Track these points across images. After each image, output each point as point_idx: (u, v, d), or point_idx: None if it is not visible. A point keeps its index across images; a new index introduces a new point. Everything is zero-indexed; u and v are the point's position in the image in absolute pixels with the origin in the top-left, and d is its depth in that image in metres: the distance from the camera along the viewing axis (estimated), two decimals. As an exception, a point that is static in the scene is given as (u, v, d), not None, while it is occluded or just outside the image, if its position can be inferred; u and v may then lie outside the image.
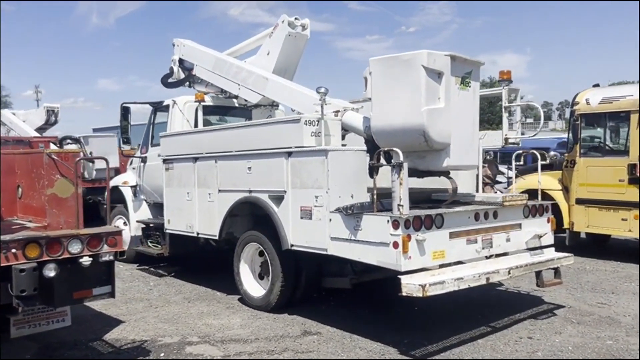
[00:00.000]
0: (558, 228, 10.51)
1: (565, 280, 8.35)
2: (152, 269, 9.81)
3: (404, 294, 5.23)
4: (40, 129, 18.28)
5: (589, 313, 6.74)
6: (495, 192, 7.29)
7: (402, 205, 5.29)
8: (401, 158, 5.32)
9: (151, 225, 9.33)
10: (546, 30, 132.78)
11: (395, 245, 5.28)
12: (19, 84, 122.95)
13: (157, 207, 9.33)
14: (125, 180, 10.18)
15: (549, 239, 6.95)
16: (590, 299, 7.43)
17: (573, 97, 10.63)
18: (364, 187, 6.01)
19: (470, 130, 6.10)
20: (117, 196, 10.11)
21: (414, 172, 6.05)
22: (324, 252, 6.02)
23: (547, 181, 11.01)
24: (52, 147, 15.55)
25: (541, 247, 6.78)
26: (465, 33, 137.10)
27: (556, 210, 10.55)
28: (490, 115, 72.68)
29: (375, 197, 5.59)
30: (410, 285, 5.20)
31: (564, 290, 7.80)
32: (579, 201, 10.32)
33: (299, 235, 6.30)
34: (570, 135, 10.67)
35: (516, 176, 12.18)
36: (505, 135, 7.16)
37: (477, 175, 7.39)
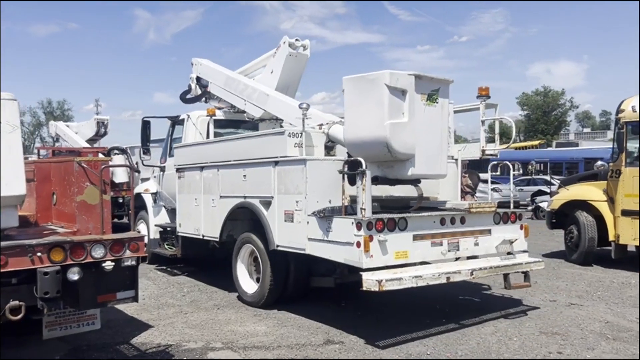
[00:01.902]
0: (603, 241, 10.55)
1: (607, 294, 8.45)
2: (168, 269, 10.67)
3: (364, 288, 5.81)
4: (91, 140, 19.57)
5: (627, 329, 6.59)
6: (475, 200, 7.73)
7: (364, 209, 5.90)
8: (364, 167, 5.93)
9: (168, 228, 10.19)
10: (604, 37, 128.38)
11: (358, 244, 5.88)
12: (81, 98, 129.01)
13: (174, 212, 10.15)
14: (146, 188, 11.13)
15: (522, 244, 7.36)
16: (630, 314, 7.26)
17: (618, 105, 10.44)
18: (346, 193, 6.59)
19: (438, 143, 6.60)
20: (140, 202, 11.06)
21: (384, 180, 6.66)
22: (303, 252, 6.67)
23: (591, 192, 11.00)
24: (100, 157, 16.73)
25: (512, 252, 7.19)
26: (519, 41, 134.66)
27: (601, 222, 10.59)
28: (544, 125, 71.93)
29: (344, 201, 6.21)
30: (369, 281, 5.78)
31: (603, 304, 7.80)
32: (625, 213, 10.01)
33: (283, 236, 6.97)
34: (616, 144, 10.40)
35: (560, 186, 12.40)
36: (482, 147, 7.63)
37: (461, 184, 7.90)
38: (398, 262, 6.17)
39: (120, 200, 15.20)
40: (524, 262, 7.14)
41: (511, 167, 7.62)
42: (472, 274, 6.50)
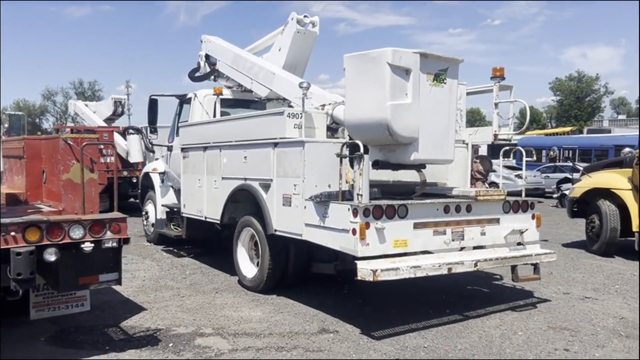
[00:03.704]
0: (627, 231, 10.15)
1: (626, 288, 8.03)
2: (175, 250, 10.53)
3: (358, 278, 5.53)
4: (108, 120, 19.67)
5: None
6: (487, 188, 7.36)
7: (361, 195, 5.61)
8: (361, 150, 5.62)
9: (174, 209, 10.04)
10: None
11: (354, 232, 5.60)
12: (112, 79, 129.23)
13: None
14: (154, 167, 10.99)
15: (534, 235, 6.98)
16: None
17: None
18: (344, 177, 6.31)
19: (444, 126, 6.24)
20: (149, 182, 10.94)
21: (386, 165, 6.33)
22: (300, 237, 6.41)
23: (615, 180, 10.56)
24: (116, 136, 16.82)
25: (523, 243, 6.82)
26: (554, 25, 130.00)
27: (625, 211, 10.15)
28: (577, 111, 70.03)
29: (341, 186, 5.92)
30: (363, 270, 5.50)
31: (620, 298, 7.40)
32: None
33: (281, 221, 6.73)
34: None
35: (582, 174, 11.92)
36: (495, 131, 7.24)
37: (471, 170, 7.55)
38: (397, 251, 5.86)
39: (135, 180, 15.19)
40: (533, 254, 6.76)
41: (524, 153, 7.20)
42: (476, 265, 6.16)
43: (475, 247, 6.64)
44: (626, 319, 6.51)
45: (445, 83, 6.21)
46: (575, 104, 73.02)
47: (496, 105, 7.24)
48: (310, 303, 6.90)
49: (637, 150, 10.17)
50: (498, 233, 6.69)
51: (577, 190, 11.51)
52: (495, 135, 7.25)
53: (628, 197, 10.07)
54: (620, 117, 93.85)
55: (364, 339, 5.69)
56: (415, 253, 6.06)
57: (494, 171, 19.41)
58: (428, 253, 6.23)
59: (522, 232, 6.79)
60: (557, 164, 27.10)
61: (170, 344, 5.50)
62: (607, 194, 10.59)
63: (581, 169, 12.41)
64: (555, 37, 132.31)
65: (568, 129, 49.66)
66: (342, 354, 5.25)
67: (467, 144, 7.52)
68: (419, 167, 6.43)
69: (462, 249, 6.49)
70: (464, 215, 6.40)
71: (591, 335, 5.90)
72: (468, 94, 7.66)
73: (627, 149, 11.85)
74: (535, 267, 6.81)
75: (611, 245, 10.46)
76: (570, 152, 31.21)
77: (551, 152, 22.81)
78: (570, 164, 22.27)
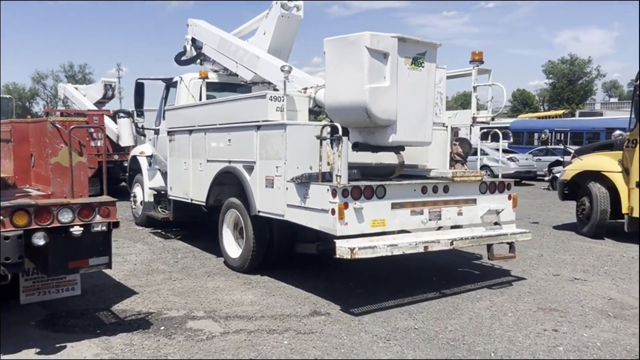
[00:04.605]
0: (617, 213, 10.25)
1: (615, 269, 8.12)
2: (163, 232, 10.69)
3: (337, 256, 5.71)
4: (99, 103, 19.70)
5: (631, 306, 6.30)
6: (466, 170, 7.53)
7: (340, 176, 5.77)
8: (340, 132, 5.77)
9: (162, 192, 10.18)
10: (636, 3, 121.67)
11: (333, 212, 5.77)
12: (104, 63, 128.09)
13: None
14: (141, 151, 11.11)
15: (510, 215, 7.17)
16: (636, 291, 6.90)
17: (638, 72, 9.94)
18: (324, 159, 6.46)
19: (422, 109, 6.40)
20: (137, 165, 11.08)
21: (366, 147, 6.49)
22: (282, 218, 6.58)
23: (605, 162, 10.63)
24: (107, 119, 16.82)
25: (499, 223, 7.01)
26: (547, 8, 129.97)
27: (615, 193, 10.23)
28: (570, 94, 70.16)
29: (321, 168, 6.08)
30: (341, 248, 5.68)
31: (609, 279, 7.50)
32: None
33: (264, 202, 6.89)
34: (633, 113, 9.98)
35: (573, 156, 12.08)
36: (473, 114, 7.39)
37: (451, 153, 7.72)
38: (375, 231, 6.03)
39: (126, 164, 15.28)
40: (509, 233, 6.97)
41: (501, 135, 7.37)
42: (452, 243, 6.35)
43: (452, 227, 6.83)
44: (614, 299, 6.61)
45: (423, 67, 6.35)
46: (567, 87, 73.22)
47: (474, 88, 7.37)
48: (302, 286, 6.96)
49: (627, 133, 10.25)
50: (475, 213, 6.88)
51: (568, 172, 11.64)
52: (474, 118, 7.40)
53: (618, 180, 10.19)
54: (612, 100, 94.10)
55: (355, 320, 5.75)
56: (393, 232, 6.25)
57: (487, 154, 19.65)
58: (406, 232, 6.41)
59: (499, 212, 6.98)
60: (549, 146, 27.30)
61: (162, 327, 5.52)
62: (598, 176, 10.70)
63: (572, 151, 12.56)
64: (549, 19, 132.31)
65: (560, 111, 49.77)
66: (333, 336, 5.30)
67: (447, 126, 7.68)
68: (398, 149, 6.59)
69: (439, 228, 6.68)
70: (441, 196, 6.58)
71: (580, 315, 5.99)
72: (448, 77, 7.80)
73: (617, 132, 11.94)
74: (511, 245, 7.02)
75: (601, 227, 10.57)
76: (562, 134, 31.43)
77: (543, 135, 22.83)
78: (562, 146, 22.51)
